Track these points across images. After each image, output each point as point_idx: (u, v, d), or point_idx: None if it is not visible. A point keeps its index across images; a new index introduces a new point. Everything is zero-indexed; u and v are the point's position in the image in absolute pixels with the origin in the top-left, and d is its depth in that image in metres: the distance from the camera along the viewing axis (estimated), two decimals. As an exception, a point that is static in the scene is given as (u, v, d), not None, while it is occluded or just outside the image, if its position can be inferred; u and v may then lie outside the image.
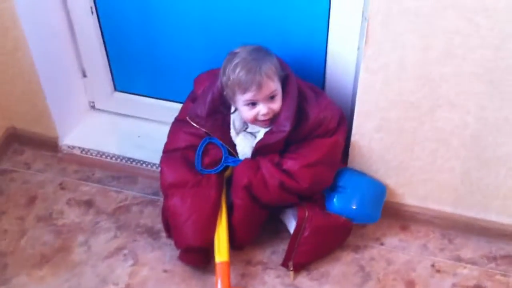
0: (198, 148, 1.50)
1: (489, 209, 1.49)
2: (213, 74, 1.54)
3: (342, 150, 1.49)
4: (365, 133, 1.46)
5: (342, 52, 1.51)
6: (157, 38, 1.72)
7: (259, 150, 1.46)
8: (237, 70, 1.37)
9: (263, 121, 1.42)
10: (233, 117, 1.50)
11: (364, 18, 1.36)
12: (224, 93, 1.44)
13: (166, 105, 1.85)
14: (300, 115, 1.42)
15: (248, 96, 1.38)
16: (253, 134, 1.50)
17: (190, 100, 1.59)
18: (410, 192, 1.54)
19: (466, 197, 1.49)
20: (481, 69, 1.26)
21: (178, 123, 1.58)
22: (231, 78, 1.38)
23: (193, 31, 1.66)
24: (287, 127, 1.39)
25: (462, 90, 1.30)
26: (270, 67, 1.38)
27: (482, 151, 1.39)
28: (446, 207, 1.53)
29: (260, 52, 1.40)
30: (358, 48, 1.45)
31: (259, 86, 1.36)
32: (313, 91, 1.47)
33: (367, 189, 1.51)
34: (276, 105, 1.40)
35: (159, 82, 1.83)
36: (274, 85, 1.39)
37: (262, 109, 1.39)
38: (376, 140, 1.46)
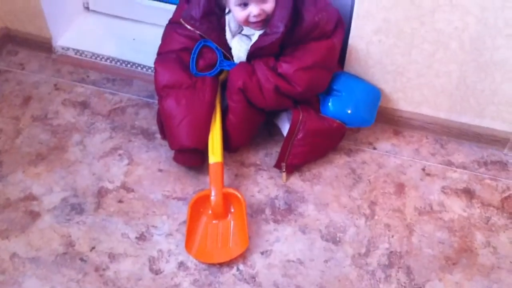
0: (193, 51, 1.48)
1: (483, 115, 1.49)
2: None
3: (338, 53, 1.46)
4: (363, 35, 1.43)
5: None
6: None
7: (254, 53, 1.44)
8: None
9: (255, 22, 1.39)
10: (228, 18, 1.46)
11: None
12: None
13: (161, 6, 1.81)
14: (295, 17, 1.38)
15: None
16: (248, 37, 1.48)
17: (184, 0, 1.55)
18: (405, 98, 1.53)
19: (460, 103, 1.49)
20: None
21: (172, 25, 1.55)
22: None
23: None
24: (280, 28, 1.36)
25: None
26: None
27: (480, 54, 1.37)
28: (440, 113, 1.53)
29: None
30: None
31: None
32: None
33: (362, 93, 1.50)
34: (268, 5, 1.37)
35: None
36: None
37: (253, 9, 1.36)
38: (374, 43, 1.43)
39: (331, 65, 1.46)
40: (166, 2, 1.79)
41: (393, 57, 1.45)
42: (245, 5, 1.36)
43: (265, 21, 1.39)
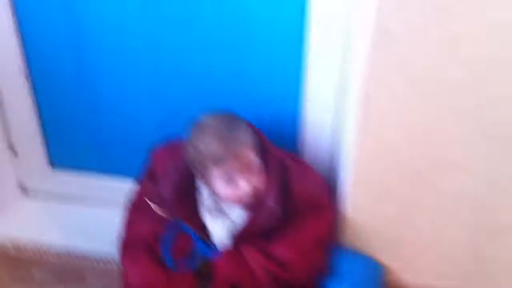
0: (165, 238, 1.25)
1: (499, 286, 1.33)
2: (173, 148, 1.32)
3: (335, 228, 1.29)
4: (361, 205, 1.26)
5: (317, 113, 1.34)
6: (102, 103, 1.49)
7: (242, 238, 1.23)
8: (208, 141, 1.15)
9: (244, 201, 1.20)
10: (201, 192, 1.26)
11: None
12: (192, 169, 1.21)
13: (114, 183, 1.60)
14: (283, 191, 1.21)
15: (224, 169, 1.16)
16: (225, 214, 1.27)
17: (148, 179, 1.34)
18: (410, 269, 1.35)
19: (473, 273, 1.32)
20: (489, 127, 1.12)
21: (135, 208, 1.33)
22: (202, 150, 1.16)
23: (145, 96, 1.45)
24: (277, 208, 1.18)
25: (470, 151, 1.15)
26: (246, 135, 1.18)
27: (491, 218, 1.24)
28: (451, 283, 1.35)
29: (232, 119, 1.19)
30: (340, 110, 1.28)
31: (237, 156, 1.15)
32: (293, 161, 1.27)
33: (363, 274, 1.30)
34: (257, 179, 1.19)
35: (104, 155, 1.59)
36: (253, 155, 1.18)
37: (244, 186, 1.17)
38: (374, 213, 1.27)
39: (330, 243, 1.27)
40: (118, 177, 1.58)
41: (395, 226, 1.28)
42: (229, 178, 1.17)
43: (251, 199, 1.20)
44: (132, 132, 1.52)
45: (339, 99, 1.29)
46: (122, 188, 1.50)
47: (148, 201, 1.24)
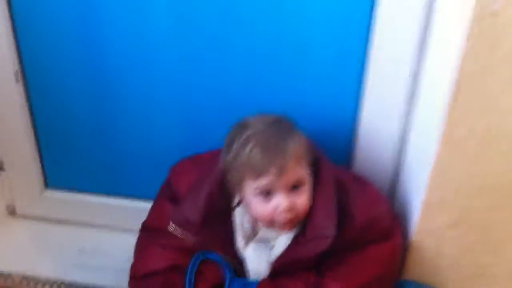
0: (189, 269, 1.01)
1: None
2: (201, 161, 1.10)
3: (401, 259, 1.04)
4: (434, 230, 1.02)
5: (377, 120, 1.10)
6: (107, 111, 1.25)
7: (283, 268, 0.98)
8: (250, 146, 0.92)
9: (283, 221, 0.95)
10: (237, 216, 1.02)
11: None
12: (226, 180, 0.97)
13: (119, 203, 1.35)
14: (340, 213, 0.97)
15: (263, 182, 0.92)
16: (267, 242, 1.03)
17: (167, 198, 1.10)
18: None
19: None
20: None
21: (151, 234, 1.09)
22: (241, 157, 0.92)
23: (163, 101, 1.21)
24: (331, 231, 0.93)
25: None
26: (297, 146, 0.94)
27: None
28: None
29: (283, 124, 0.96)
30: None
31: (281, 170, 0.91)
32: (351, 178, 1.04)
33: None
34: (302, 198, 0.95)
35: (107, 171, 1.34)
36: (302, 171, 0.95)
37: (282, 201, 0.93)
38: (449, 240, 1.03)
39: (395, 275, 1.03)
40: (125, 198, 1.34)
41: (475, 257, 1.03)
42: (268, 193, 0.94)
43: (294, 220, 0.96)
44: (142, 150, 1.28)
45: (408, 104, 1.06)
46: (130, 211, 1.29)
47: (171, 226, 0.99)
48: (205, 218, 0.98)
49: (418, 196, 1.01)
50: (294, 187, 0.94)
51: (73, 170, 1.35)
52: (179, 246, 1.03)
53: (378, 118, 1.08)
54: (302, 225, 0.97)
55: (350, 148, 1.16)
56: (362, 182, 1.04)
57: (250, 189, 0.94)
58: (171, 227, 0.99)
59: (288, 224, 0.96)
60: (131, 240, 1.09)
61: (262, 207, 0.94)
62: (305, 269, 0.98)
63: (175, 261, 1.03)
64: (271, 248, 1.01)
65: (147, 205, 1.13)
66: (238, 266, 1.02)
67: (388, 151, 1.11)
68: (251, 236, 1.02)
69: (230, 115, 1.00)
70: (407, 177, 1.08)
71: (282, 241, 0.99)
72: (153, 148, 1.27)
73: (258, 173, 0.92)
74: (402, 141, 1.09)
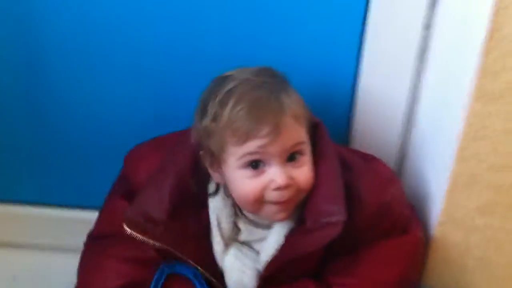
0: (153, 286, 0.77)
1: None
2: (163, 143, 0.87)
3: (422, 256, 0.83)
4: (461, 218, 0.82)
5: (384, 87, 0.90)
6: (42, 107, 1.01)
7: (277, 273, 0.76)
8: (233, 101, 0.70)
9: (279, 202, 0.72)
10: (214, 208, 0.79)
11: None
12: (201, 152, 0.75)
13: (60, 215, 1.11)
14: (346, 197, 0.75)
15: (252, 147, 0.70)
16: (251, 246, 0.80)
17: (120, 195, 0.86)
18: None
19: None
20: None
21: (100, 244, 0.85)
22: (222, 116, 0.70)
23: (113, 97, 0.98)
24: (340, 214, 0.71)
25: None
26: (293, 100, 0.73)
27: None
28: None
29: (273, 73, 0.74)
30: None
31: (276, 129, 0.69)
32: (359, 157, 0.83)
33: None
34: (304, 171, 0.73)
35: (45, 177, 1.09)
36: (301, 132, 0.73)
37: (277, 174, 0.71)
38: (478, 230, 0.83)
39: (416, 278, 0.82)
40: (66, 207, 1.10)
41: (510, 250, 0.84)
42: (256, 165, 0.71)
43: (293, 202, 0.74)
44: (88, 148, 1.05)
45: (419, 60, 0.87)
46: (73, 225, 1.04)
47: (126, 226, 0.75)
48: (172, 214, 0.75)
49: (443, 180, 0.80)
50: (291, 158, 0.72)
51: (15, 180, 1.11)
52: (138, 257, 0.80)
53: (382, 79, 0.88)
54: (298, 213, 0.75)
55: (347, 117, 0.95)
56: (370, 159, 0.83)
57: (234, 160, 0.71)
58: (127, 229, 0.75)
59: (284, 208, 0.73)
60: (74, 262, 0.86)
61: (249, 184, 0.71)
62: (304, 273, 0.77)
63: (133, 278, 0.80)
64: (256, 252, 0.79)
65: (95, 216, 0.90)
66: (215, 279, 0.79)
67: (396, 117, 0.90)
68: (232, 237, 0.79)
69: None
70: (419, 151, 0.88)
71: (273, 238, 0.77)
72: (100, 145, 1.04)
73: (245, 135, 0.69)
74: (411, 105, 0.90)
